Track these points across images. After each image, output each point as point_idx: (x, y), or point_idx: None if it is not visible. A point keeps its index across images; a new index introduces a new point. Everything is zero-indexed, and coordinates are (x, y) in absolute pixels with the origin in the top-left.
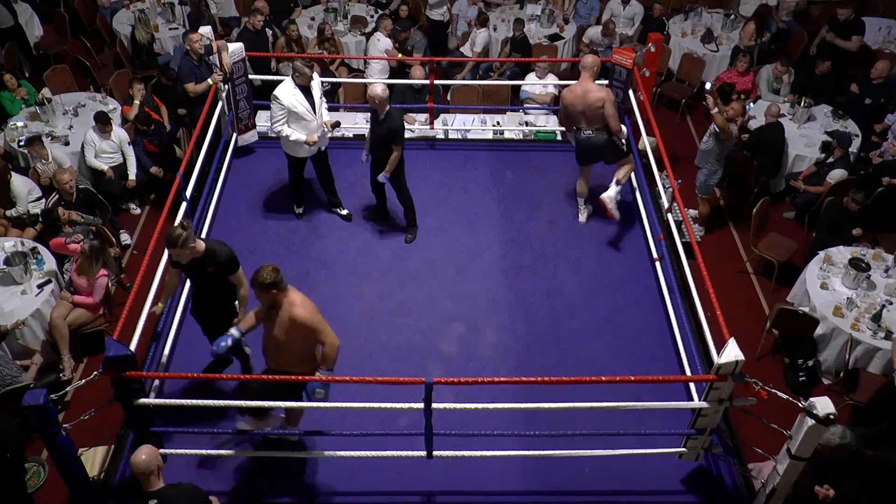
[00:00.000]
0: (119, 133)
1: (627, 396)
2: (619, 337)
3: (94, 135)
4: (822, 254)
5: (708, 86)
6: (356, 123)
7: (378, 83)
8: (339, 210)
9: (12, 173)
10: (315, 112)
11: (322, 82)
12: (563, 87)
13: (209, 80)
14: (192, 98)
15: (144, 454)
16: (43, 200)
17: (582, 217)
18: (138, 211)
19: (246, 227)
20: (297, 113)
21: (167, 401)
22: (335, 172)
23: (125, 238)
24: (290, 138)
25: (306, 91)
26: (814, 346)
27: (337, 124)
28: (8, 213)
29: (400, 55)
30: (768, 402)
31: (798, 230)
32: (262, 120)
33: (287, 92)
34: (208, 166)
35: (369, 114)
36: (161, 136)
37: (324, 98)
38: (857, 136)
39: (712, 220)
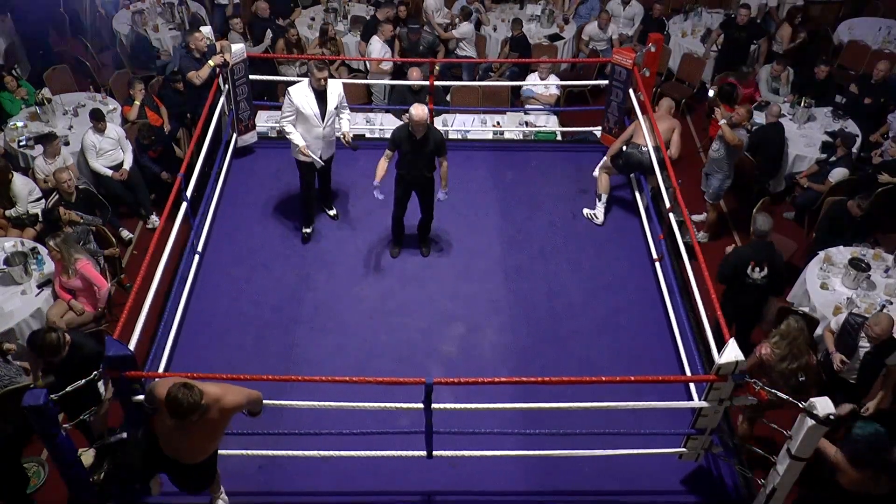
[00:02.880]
0: (115, 129)
1: (627, 396)
2: (619, 337)
3: (93, 137)
4: (822, 254)
5: (711, 93)
6: (356, 124)
7: (418, 105)
8: (328, 210)
9: (13, 173)
10: (323, 120)
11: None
12: (565, 87)
13: (210, 62)
14: (195, 98)
15: None
16: (43, 201)
17: (601, 217)
18: (157, 222)
19: (246, 228)
20: (305, 115)
21: None
22: (336, 173)
23: (127, 234)
24: (289, 136)
25: (320, 96)
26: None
27: (356, 146)
28: (8, 213)
29: (397, 57)
30: (768, 403)
31: (798, 230)
32: (262, 120)
33: (300, 92)
34: (208, 167)
35: (391, 143)
36: (162, 141)
37: (345, 109)
38: (858, 136)
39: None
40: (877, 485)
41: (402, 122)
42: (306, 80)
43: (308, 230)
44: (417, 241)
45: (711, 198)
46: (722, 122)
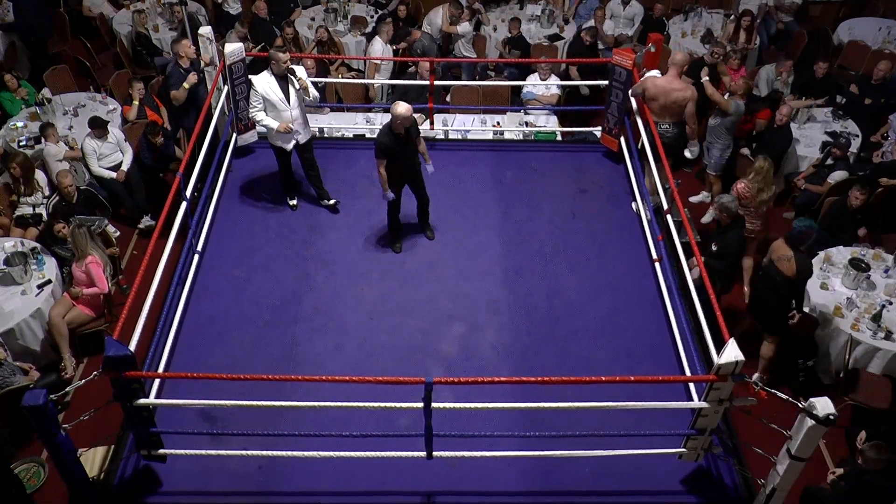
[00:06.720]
0: (115, 133)
1: (627, 396)
2: (618, 337)
3: (92, 143)
4: (822, 254)
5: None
6: (356, 123)
7: (399, 103)
8: (326, 201)
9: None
10: (289, 103)
11: (317, 83)
12: (564, 87)
13: (184, 84)
14: (188, 104)
15: None
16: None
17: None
18: (153, 224)
19: (246, 227)
20: (271, 101)
21: (167, 401)
22: (335, 173)
23: (113, 230)
24: (262, 122)
25: (283, 81)
26: (814, 346)
27: (312, 94)
28: (17, 213)
29: (398, 57)
30: (768, 403)
31: None
32: None
33: (262, 80)
34: (208, 166)
35: (381, 153)
36: (165, 139)
37: (309, 87)
38: (857, 136)
39: None
40: (790, 265)
41: (381, 128)
42: (267, 70)
43: (294, 202)
44: (419, 230)
45: (714, 169)
46: (704, 79)
